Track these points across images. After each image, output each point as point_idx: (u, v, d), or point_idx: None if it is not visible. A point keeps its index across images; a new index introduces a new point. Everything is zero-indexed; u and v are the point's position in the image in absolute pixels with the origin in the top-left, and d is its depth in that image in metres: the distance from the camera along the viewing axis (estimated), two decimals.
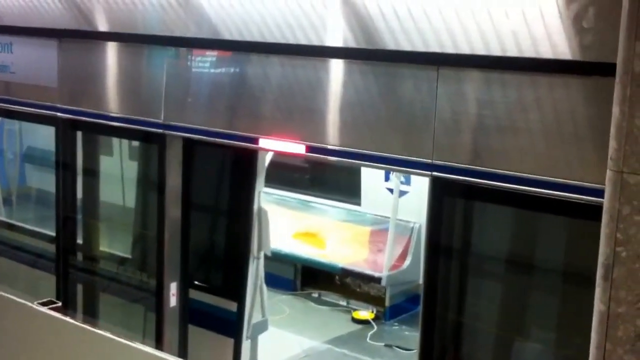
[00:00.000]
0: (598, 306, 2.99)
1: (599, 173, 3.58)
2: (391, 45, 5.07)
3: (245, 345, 6.67)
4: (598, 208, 3.03)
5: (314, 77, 5.61)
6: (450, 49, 4.79)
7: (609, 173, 2.89)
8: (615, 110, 2.86)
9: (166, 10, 6.40)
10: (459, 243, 5.10)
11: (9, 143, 10.02)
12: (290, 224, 10.42)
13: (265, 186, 6.71)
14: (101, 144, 7.69)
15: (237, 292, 6.57)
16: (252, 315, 6.66)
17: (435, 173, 4.93)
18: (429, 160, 4.94)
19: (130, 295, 7.33)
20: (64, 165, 7.61)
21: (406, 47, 4.99)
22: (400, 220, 9.47)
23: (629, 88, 2.80)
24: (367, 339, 9.03)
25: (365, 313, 9.62)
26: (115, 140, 7.73)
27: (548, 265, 4.91)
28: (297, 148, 5.71)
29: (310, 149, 5.63)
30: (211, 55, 6.24)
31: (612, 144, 2.87)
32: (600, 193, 3.02)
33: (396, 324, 9.49)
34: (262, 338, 6.99)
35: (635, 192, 2.83)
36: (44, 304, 5.36)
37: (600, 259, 2.96)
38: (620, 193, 2.85)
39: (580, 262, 4.61)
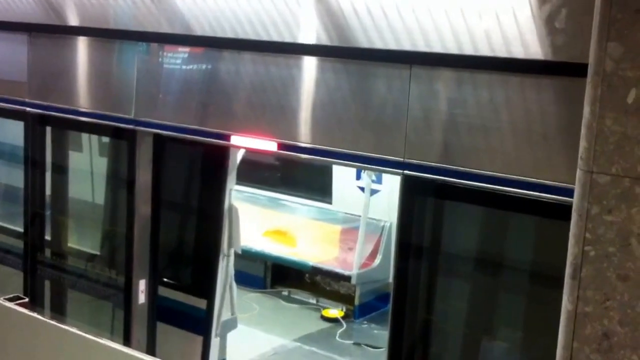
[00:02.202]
0: (566, 305, 3.00)
1: (569, 173, 3.59)
2: (364, 43, 5.07)
3: (214, 342, 6.64)
4: (568, 207, 3.04)
5: (286, 74, 5.59)
6: (423, 48, 4.80)
7: (578, 173, 2.90)
8: (586, 110, 2.86)
9: (138, 5, 6.35)
10: (430, 242, 5.10)
11: None
12: (261, 222, 10.39)
13: (237, 184, 6.69)
14: (71, 140, 7.61)
15: (206, 289, 6.54)
16: (221, 312, 6.63)
17: (406, 171, 4.94)
18: (401, 159, 4.94)
19: (99, 292, 7.27)
20: (32, 161, 7.53)
21: (379, 45, 5.00)
22: (371, 218, 9.48)
23: (600, 88, 2.81)
24: (336, 337, 9.03)
25: (335, 311, 9.62)
26: (85, 136, 7.66)
27: (518, 265, 4.93)
28: (268, 145, 5.70)
29: (282, 146, 5.62)
30: (183, 51, 6.20)
31: (582, 143, 2.88)
32: (570, 193, 3.03)
33: (365, 322, 9.50)
34: (231, 336, 6.96)
35: (604, 192, 2.84)
36: (10, 300, 5.31)
37: (569, 258, 2.97)
38: (590, 193, 2.86)
39: (550, 261, 4.63)
